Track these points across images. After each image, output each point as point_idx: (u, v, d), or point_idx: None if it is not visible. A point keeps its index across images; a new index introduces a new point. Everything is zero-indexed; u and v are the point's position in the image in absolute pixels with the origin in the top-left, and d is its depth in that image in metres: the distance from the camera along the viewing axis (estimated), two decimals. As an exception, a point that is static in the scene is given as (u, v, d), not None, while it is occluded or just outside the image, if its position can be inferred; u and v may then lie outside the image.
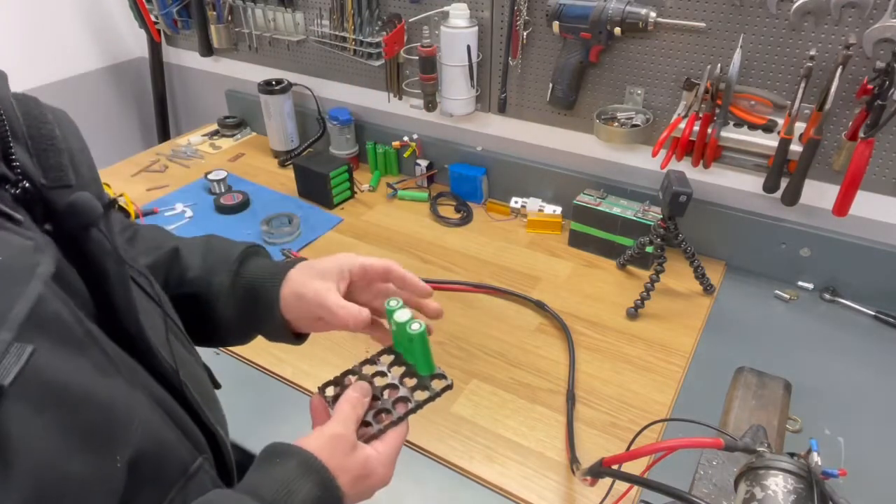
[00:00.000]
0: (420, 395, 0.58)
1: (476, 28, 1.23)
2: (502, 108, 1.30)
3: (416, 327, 0.56)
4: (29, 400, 0.33)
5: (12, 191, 0.39)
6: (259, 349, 1.00)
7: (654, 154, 1.14)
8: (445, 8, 1.24)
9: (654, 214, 1.15)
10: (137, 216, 1.34)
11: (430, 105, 1.35)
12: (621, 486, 0.71)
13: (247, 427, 0.88)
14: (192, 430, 0.49)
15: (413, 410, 0.57)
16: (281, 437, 0.88)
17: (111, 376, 0.40)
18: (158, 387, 0.47)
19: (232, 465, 0.56)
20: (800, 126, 0.99)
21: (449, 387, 0.58)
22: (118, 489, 0.38)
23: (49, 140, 0.42)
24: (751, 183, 1.12)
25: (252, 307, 0.61)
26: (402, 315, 0.57)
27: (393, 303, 0.59)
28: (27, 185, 0.40)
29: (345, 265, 0.63)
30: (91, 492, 0.36)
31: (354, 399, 0.54)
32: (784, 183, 1.04)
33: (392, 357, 0.60)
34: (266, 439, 0.85)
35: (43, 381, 0.34)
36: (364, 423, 0.56)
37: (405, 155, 1.46)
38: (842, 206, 1.00)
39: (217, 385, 0.59)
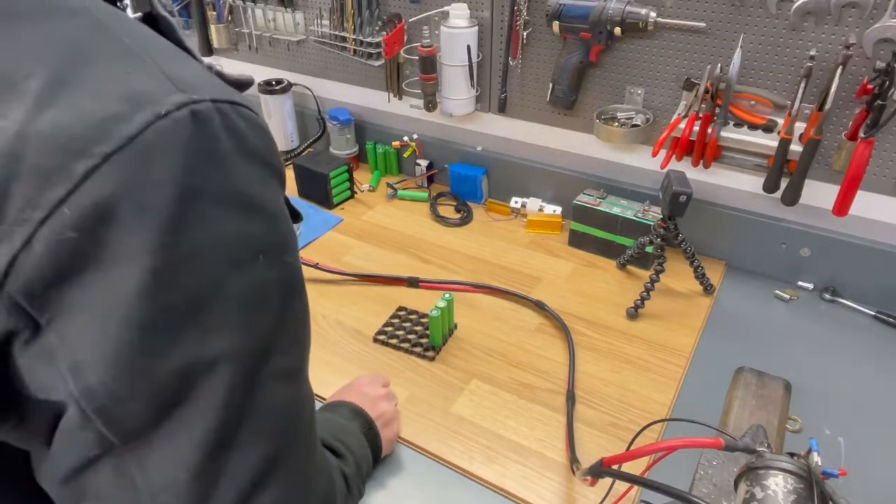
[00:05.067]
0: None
1: (476, 28, 1.23)
2: (502, 108, 1.30)
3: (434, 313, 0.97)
4: None
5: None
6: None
7: (654, 154, 1.14)
8: (445, 8, 1.24)
9: (654, 214, 1.15)
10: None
11: (430, 105, 1.35)
12: (621, 486, 0.71)
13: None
14: None
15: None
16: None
17: None
18: None
19: None
20: (800, 126, 0.99)
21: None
22: None
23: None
24: (751, 183, 1.12)
25: None
26: (434, 312, 0.97)
27: (434, 312, 0.96)
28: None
29: None
30: None
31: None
32: (784, 183, 1.04)
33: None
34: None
35: None
36: (402, 340, 1.01)
37: (405, 155, 1.46)
38: (842, 206, 1.00)
39: None
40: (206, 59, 0.52)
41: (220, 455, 0.39)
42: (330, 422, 0.72)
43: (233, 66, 1.73)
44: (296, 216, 0.50)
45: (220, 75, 0.45)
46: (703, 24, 1.02)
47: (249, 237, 0.39)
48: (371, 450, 0.74)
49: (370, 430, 0.75)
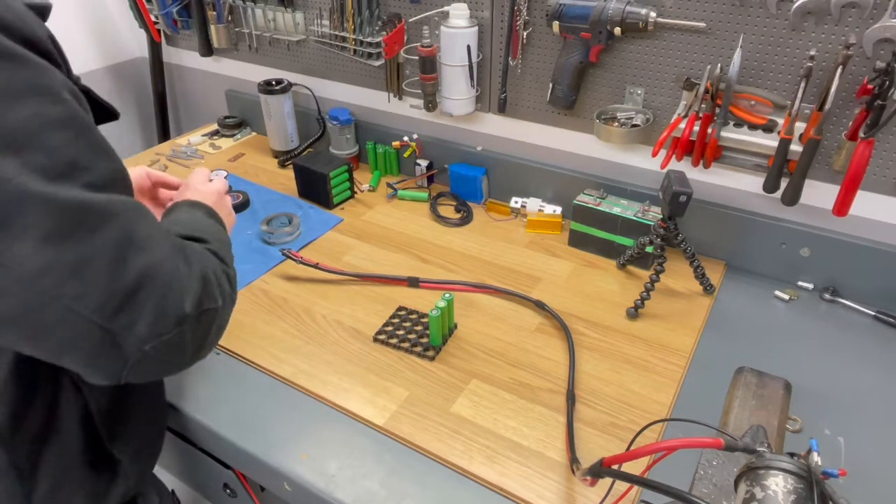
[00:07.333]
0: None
1: (476, 28, 1.23)
2: (502, 108, 1.30)
3: (434, 313, 0.97)
4: None
5: None
6: (259, 349, 1.01)
7: (654, 154, 1.14)
8: (445, 8, 1.24)
9: (654, 214, 1.15)
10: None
11: (430, 105, 1.35)
12: (621, 486, 0.71)
13: (247, 427, 0.88)
14: None
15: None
16: (281, 437, 0.89)
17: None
18: None
19: None
20: (800, 126, 0.99)
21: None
22: None
23: None
24: (751, 183, 1.12)
25: None
26: (434, 312, 0.96)
27: (434, 312, 0.96)
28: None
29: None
30: None
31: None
32: (784, 183, 1.04)
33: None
34: (267, 439, 0.86)
35: None
36: (402, 340, 1.01)
37: (405, 155, 1.46)
38: (842, 206, 1.00)
39: None
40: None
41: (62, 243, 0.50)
42: (177, 223, 0.77)
43: (233, 67, 1.74)
44: (111, 115, 0.65)
45: None
46: (703, 24, 1.02)
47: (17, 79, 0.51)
48: (221, 227, 0.81)
49: (212, 213, 0.81)
